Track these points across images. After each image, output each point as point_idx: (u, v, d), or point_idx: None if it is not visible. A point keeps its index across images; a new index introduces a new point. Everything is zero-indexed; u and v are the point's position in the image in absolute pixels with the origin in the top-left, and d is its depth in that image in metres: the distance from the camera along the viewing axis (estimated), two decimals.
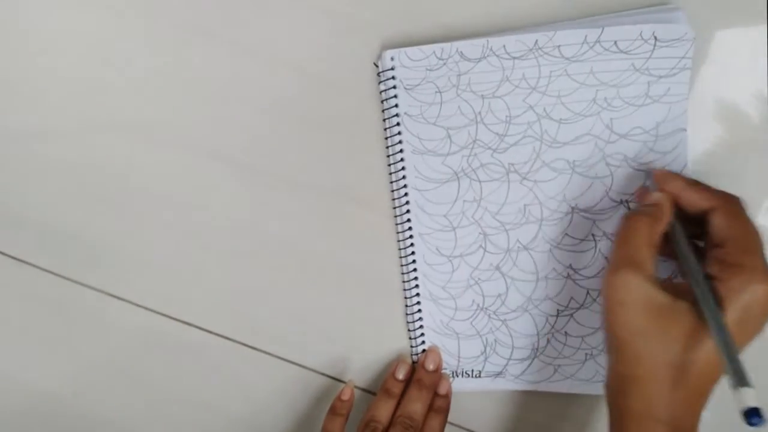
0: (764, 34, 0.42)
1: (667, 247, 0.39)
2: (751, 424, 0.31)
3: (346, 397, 0.47)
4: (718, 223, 0.37)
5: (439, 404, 0.47)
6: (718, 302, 0.35)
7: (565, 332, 0.46)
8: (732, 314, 0.34)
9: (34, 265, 0.50)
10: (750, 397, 0.31)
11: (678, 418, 0.35)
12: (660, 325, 0.35)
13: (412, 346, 0.48)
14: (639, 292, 0.36)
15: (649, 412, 0.36)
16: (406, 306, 0.48)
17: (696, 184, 0.39)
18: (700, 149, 0.44)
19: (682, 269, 0.38)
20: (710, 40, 0.43)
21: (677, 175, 0.40)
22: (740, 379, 0.32)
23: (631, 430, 0.36)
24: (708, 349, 0.35)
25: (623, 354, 0.36)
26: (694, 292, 0.36)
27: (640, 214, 0.39)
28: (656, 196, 0.39)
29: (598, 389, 0.46)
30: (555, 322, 0.46)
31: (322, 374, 0.50)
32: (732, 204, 0.38)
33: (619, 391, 0.37)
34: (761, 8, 0.42)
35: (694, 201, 0.38)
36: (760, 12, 0.42)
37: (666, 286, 0.36)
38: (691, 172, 0.43)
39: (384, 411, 0.46)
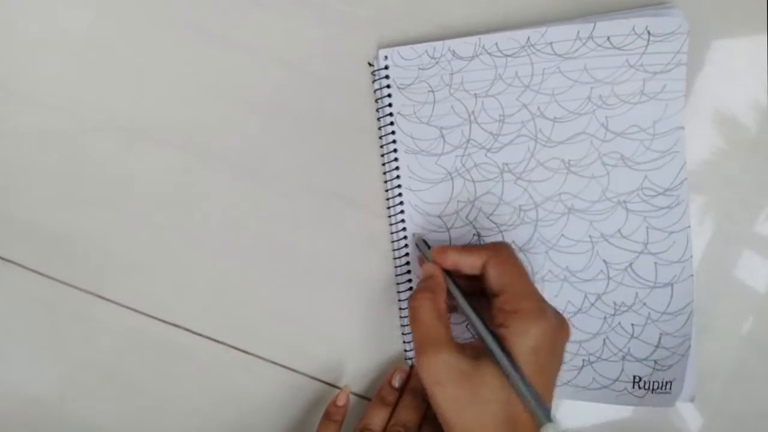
0: (763, 41, 0.42)
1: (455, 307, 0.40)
2: None
3: (341, 402, 0.46)
4: (492, 275, 0.38)
5: (433, 413, 0.46)
6: (508, 350, 0.35)
7: None
8: (525, 358, 0.35)
9: (21, 266, 0.50)
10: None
11: None
12: (472, 390, 0.35)
13: (406, 350, 0.47)
14: (447, 366, 0.36)
15: None
16: (401, 309, 0.47)
17: (466, 249, 0.40)
18: (699, 155, 0.44)
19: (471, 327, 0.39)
20: (709, 47, 0.42)
21: (448, 247, 0.40)
22: (544, 416, 0.33)
23: None
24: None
25: (453, 430, 0.36)
26: (483, 344, 0.36)
27: (420, 292, 0.39)
28: (427, 269, 0.41)
29: (594, 397, 0.46)
30: None
31: (316, 379, 0.49)
32: (500, 253, 0.38)
33: None
34: (760, 15, 0.42)
35: (470, 264, 0.39)
36: (759, 19, 0.42)
37: (471, 346, 0.37)
38: (689, 171, 0.43)
39: (378, 418, 0.45)
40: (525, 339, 0.35)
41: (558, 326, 0.36)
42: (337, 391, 0.48)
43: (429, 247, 0.43)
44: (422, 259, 0.43)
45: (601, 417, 0.47)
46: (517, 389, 0.34)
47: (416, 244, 0.45)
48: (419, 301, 0.39)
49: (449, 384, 0.35)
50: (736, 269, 0.44)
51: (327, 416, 0.46)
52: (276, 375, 0.49)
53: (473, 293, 0.39)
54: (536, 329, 0.35)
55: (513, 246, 0.45)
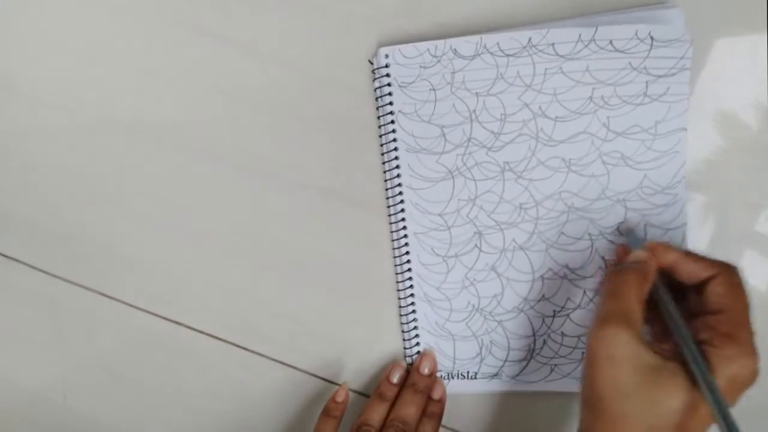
0: (764, 41, 0.42)
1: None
2: None
3: (340, 398, 0.46)
4: (716, 291, 0.36)
5: (432, 409, 0.46)
6: (711, 365, 0.34)
7: (562, 333, 0.46)
8: (720, 381, 0.34)
9: (24, 263, 0.50)
10: None
11: None
12: (648, 387, 0.34)
13: (406, 348, 0.48)
14: (629, 348, 0.34)
15: None
16: (401, 307, 0.47)
17: (693, 255, 0.38)
18: (699, 155, 0.44)
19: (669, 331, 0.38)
20: (710, 46, 0.42)
21: (671, 247, 0.39)
22: None
23: None
24: (701, 416, 0.34)
25: (603, 413, 0.35)
26: (685, 356, 0.35)
27: (630, 270, 0.38)
28: (641, 255, 0.39)
29: None
30: (551, 322, 0.46)
31: (315, 376, 0.49)
32: (732, 273, 0.37)
33: None
34: (761, 15, 0.42)
35: (694, 271, 0.37)
36: (760, 18, 0.42)
37: (655, 346, 0.35)
38: (688, 171, 0.43)
39: (377, 414, 0.45)
40: (728, 366, 0.34)
41: (756, 371, 0.34)
42: (336, 387, 0.48)
43: (635, 236, 0.41)
44: (620, 250, 0.42)
45: None
46: (711, 405, 0.33)
47: (620, 231, 0.43)
48: (627, 276, 0.37)
49: (624, 365, 0.34)
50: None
51: (326, 412, 0.46)
52: (275, 371, 0.49)
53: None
54: (743, 362, 0.34)
55: (513, 242, 0.45)
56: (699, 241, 0.45)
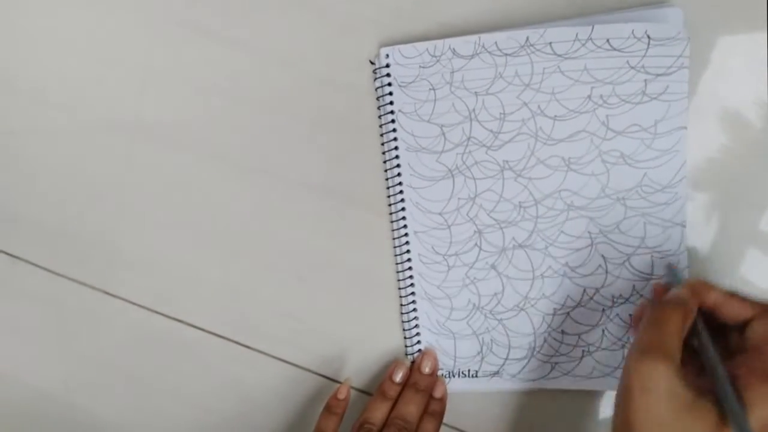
0: (764, 39, 0.42)
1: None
2: None
3: (342, 395, 0.47)
4: (759, 332, 0.36)
5: (434, 408, 0.47)
6: (745, 402, 0.34)
7: (562, 330, 0.46)
8: (754, 422, 0.33)
9: (28, 262, 0.50)
10: None
11: None
12: (682, 421, 0.34)
13: (407, 346, 0.48)
14: (666, 382, 0.34)
15: None
16: (402, 305, 0.47)
17: (735, 296, 0.38)
18: (701, 154, 0.44)
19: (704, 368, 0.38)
20: (711, 45, 0.42)
21: (713, 286, 0.39)
22: None
23: None
24: None
25: None
26: (718, 393, 0.34)
27: (674, 305, 0.38)
28: (683, 293, 0.39)
29: (596, 385, 0.46)
30: (551, 320, 0.46)
31: (317, 374, 0.49)
32: None
33: None
34: (762, 13, 0.42)
35: (736, 311, 0.38)
36: (760, 17, 0.42)
37: (692, 381, 0.35)
38: (688, 170, 0.43)
39: (379, 413, 0.46)
40: (764, 407, 0.33)
41: None
42: (338, 384, 0.48)
43: (675, 275, 0.42)
44: (659, 288, 0.42)
45: (599, 410, 0.48)
46: None
47: (668, 267, 0.44)
48: (670, 311, 0.37)
49: (660, 398, 0.34)
50: (740, 267, 0.44)
51: (328, 409, 0.46)
52: (277, 369, 0.50)
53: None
54: None
55: (513, 240, 0.45)
56: (702, 240, 0.45)
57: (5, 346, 0.52)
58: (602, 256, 0.45)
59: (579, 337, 0.46)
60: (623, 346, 0.46)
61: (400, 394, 0.47)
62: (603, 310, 0.45)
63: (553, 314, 0.46)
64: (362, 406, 0.46)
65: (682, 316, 0.37)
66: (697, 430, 0.34)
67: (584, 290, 0.45)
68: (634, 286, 0.45)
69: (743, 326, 0.37)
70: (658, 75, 0.42)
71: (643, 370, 0.35)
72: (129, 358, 0.51)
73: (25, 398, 0.52)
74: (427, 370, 0.47)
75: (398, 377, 0.47)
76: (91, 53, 0.47)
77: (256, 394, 0.50)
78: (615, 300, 0.45)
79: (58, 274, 0.50)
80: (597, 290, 0.45)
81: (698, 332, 0.38)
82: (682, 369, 0.35)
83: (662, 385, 0.34)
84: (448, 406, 0.47)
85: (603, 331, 0.46)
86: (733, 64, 0.43)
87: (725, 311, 0.38)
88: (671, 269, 0.43)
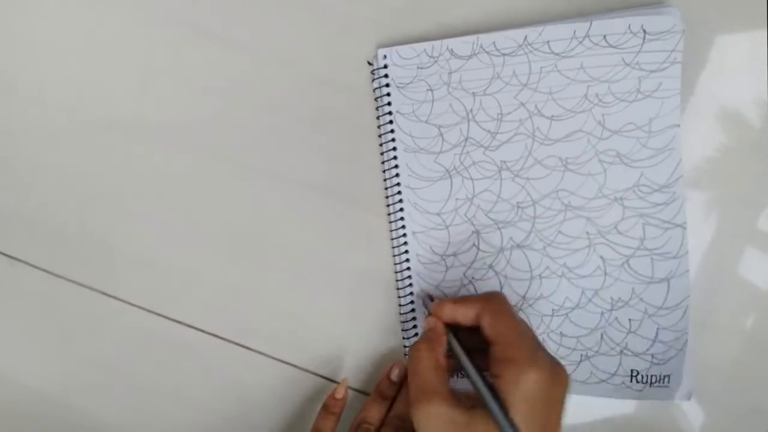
0: (764, 38, 0.42)
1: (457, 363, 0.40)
2: None
3: (339, 395, 0.47)
4: (486, 325, 0.38)
5: None
6: (503, 400, 0.35)
7: (560, 332, 0.46)
8: (519, 408, 0.34)
9: (27, 263, 0.51)
10: None
11: None
12: None
13: (405, 346, 0.48)
14: (441, 417, 0.36)
15: None
16: (400, 305, 0.47)
17: (461, 300, 0.40)
18: (699, 153, 0.44)
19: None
20: (709, 44, 0.42)
21: (445, 301, 0.41)
22: None
23: None
24: None
25: None
26: (481, 398, 0.36)
27: (420, 343, 0.40)
28: (429, 321, 0.41)
29: (593, 390, 0.46)
30: (550, 322, 0.46)
31: (315, 374, 0.49)
32: (494, 303, 0.39)
33: None
34: (761, 12, 0.42)
35: (465, 315, 0.39)
36: (759, 15, 0.42)
37: (468, 397, 0.37)
38: (687, 169, 0.43)
39: (376, 412, 0.46)
40: (517, 388, 0.34)
41: (552, 375, 0.35)
42: (336, 384, 0.48)
43: (425, 305, 0.43)
44: (425, 321, 0.43)
45: (604, 413, 0.47)
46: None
47: (422, 300, 0.45)
48: (416, 351, 0.39)
49: None
50: (738, 266, 0.44)
51: (325, 409, 0.47)
52: (275, 369, 0.50)
53: (479, 349, 0.39)
54: (528, 378, 0.34)
55: (511, 241, 0.45)
56: (700, 239, 0.45)
57: (4, 347, 0.52)
58: (601, 257, 0.45)
59: (578, 341, 0.46)
60: (621, 352, 0.45)
61: (397, 393, 0.47)
62: (602, 313, 0.45)
63: (552, 315, 0.46)
64: (360, 406, 0.46)
65: (431, 347, 0.39)
66: None
67: (583, 291, 0.45)
68: (633, 289, 0.45)
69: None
70: (651, 71, 0.42)
71: (420, 417, 0.36)
72: (128, 360, 0.51)
73: (24, 399, 0.52)
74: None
75: (396, 377, 0.47)
76: (91, 53, 0.48)
77: (254, 394, 0.50)
78: (614, 303, 0.45)
79: (57, 275, 0.50)
80: (596, 292, 0.45)
81: (452, 348, 0.39)
82: (454, 392, 0.37)
83: (440, 421, 0.36)
84: None
85: (601, 335, 0.46)
86: (732, 64, 0.43)
87: (460, 319, 0.40)
88: (426, 296, 0.45)
